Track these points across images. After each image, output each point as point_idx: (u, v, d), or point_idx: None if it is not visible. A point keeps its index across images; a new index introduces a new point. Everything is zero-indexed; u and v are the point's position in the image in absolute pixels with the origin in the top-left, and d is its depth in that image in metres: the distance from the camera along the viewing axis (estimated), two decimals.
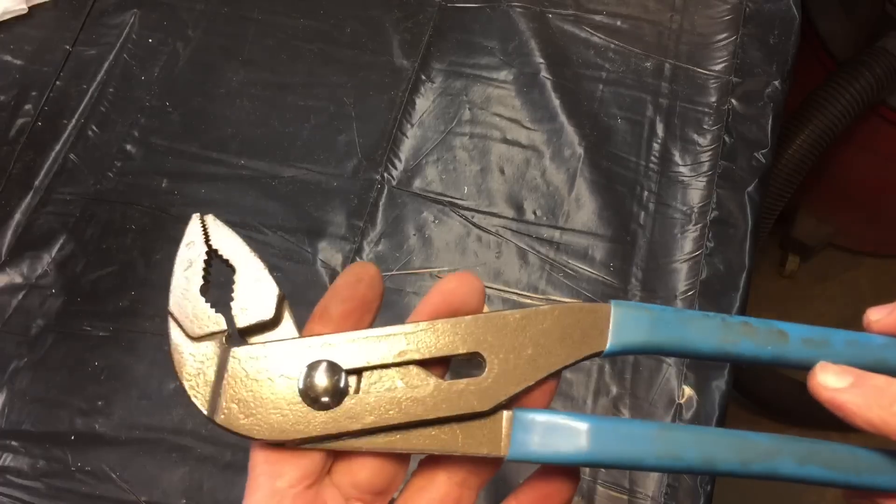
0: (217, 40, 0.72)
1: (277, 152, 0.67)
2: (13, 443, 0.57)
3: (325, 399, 0.28)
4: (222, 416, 0.28)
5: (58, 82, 0.69)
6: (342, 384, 0.28)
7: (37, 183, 0.66)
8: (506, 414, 0.28)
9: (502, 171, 0.66)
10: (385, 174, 0.66)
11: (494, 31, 0.71)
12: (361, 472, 0.30)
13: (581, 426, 0.28)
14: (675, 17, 0.72)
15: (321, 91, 0.69)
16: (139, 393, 0.58)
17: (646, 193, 0.65)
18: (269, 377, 0.28)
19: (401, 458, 0.30)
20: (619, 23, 0.72)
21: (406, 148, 0.67)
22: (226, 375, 0.28)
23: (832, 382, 0.30)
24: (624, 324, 0.29)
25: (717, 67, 0.70)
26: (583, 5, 0.72)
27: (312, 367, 0.28)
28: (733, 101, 0.68)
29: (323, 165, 0.66)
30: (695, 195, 0.65)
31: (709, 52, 0.70)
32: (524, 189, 0.65)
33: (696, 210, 0.64)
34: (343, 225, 0.64)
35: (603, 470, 0.55)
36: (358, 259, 0.63)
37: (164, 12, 0.73)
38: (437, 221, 0.64)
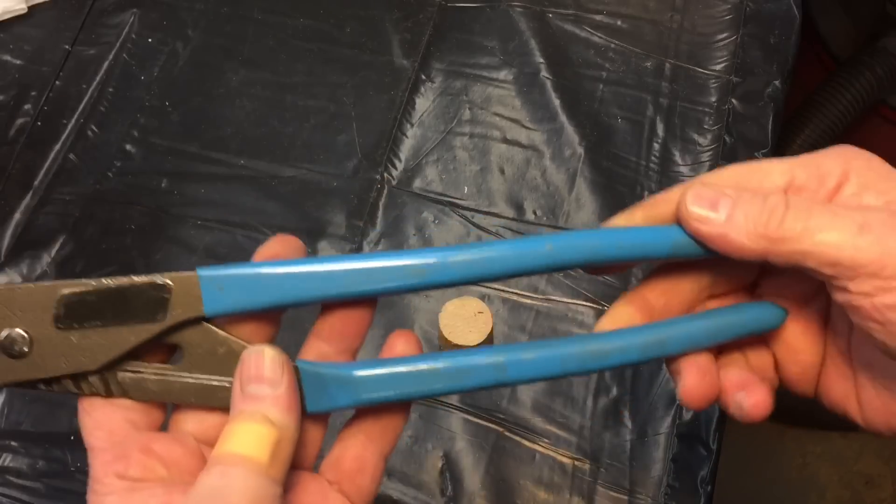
0: (217, 40, 0.72)
1: (277, 152, 0.67)
2: (13, 443, 0.57)
3: (16, 348, 0.28)
4: None
5: (57, 82, 0.69)
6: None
7: (36, 183, 0.66)
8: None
9: (502, 171, 0.66)
10: (385, 174, 0.66)
11: (494, 30, 0.71)
12: (188, 423, 0.31)
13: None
14: (676, 17, 0.72)
15: (321, 91, 0.69)
16: None
17: (646, 193, 0.65)
18: None
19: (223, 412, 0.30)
20: (619, 22, 0.72)
21: (406, 148, 0.67)
22: None
23: (705, 212, 0.30)
24: (218, 288, 0.29)
25: (718, 67, 0.70)
26: (583, 5, 0.72)
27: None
28: (734, 100, 0.68)
29: (323, 165, 0.66)
30: None
31: (709, 51, 0.70)
32: (524, 189, 0.65)
33: None
34: (343, 225, 0.64)
35: (603, 469, 0.55)
36: None
37: (164, 12, 0.73)
38: (437, 221, 0.64)
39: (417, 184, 0.65)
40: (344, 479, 0.32)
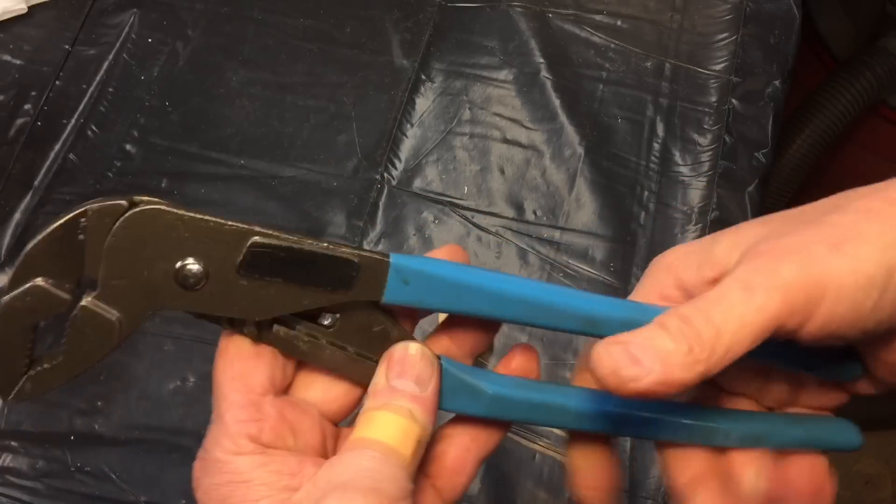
0: (217, 40, 0.72)
1: (277, 152, 0.67)
2: (13, 443, 0.57)
3: (190, 281, 0.28)
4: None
5: (57, 82, 0.69)
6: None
7: (36, 183, 0.66)
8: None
9: (502, 171, 0.66)
10: (385, 174, 0.66)
11: (494, 30, 0.71)
12: (311, 390, 0.31)
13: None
14: (676, 17, 0.72)
15: (321, 91, 0.69)
16: (139, 393, 0.58)
17: (646, 193, 0.65)
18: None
19: (351, 386, 0.31)
20: (619, 22, 0.72)
21: (406, 148, 0.67)
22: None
23: (636, 372, 0.27)
24: (402, 281, 0.29)
25: (718, 67, 0.70)
26: (583, 5, 0.72)
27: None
28: (734, 100, 0.68)
29: (323, 165, 0.66)
30: (695, 195, 0.65)
31: (709, 51, 0.70)
32: (524, 189, 0.65)
33: (696, 210, 0.64)
34: (343, 225, 0.64)
35: None
36: None
37: (164, 12, 0.73)
38: (437, 221, 0.64)
39: (417, 184, 0.65)
40: (441, 476, 0.32)
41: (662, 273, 0.32)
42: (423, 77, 0.69)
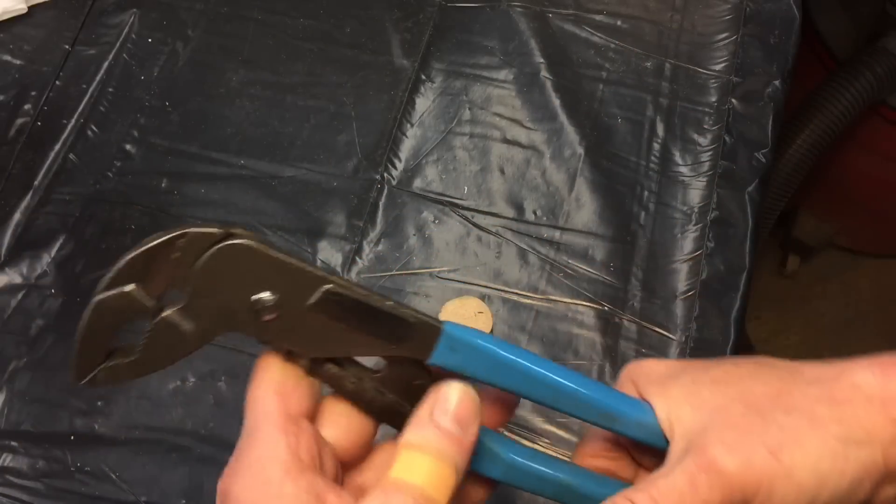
0: (217, 40, 0.72)
1: (277, 152, 0.67)
2: (13, 443, 0.57)
3: (262, 313, 0.30)
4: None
5: (57, 82, 0.69)
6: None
7: (36, 183, 0.66)
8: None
9: (502, 171, 0.66)
10: (385, 174, 0.66)
11: (494, 30, 0.71)
12: (330, 428, 0.31)
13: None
14: (676, 17, 0.72)
15: (321, 91, 0.69)
16: (139, 393, 0.58)
17: (646, 193, 0.65)
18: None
19: (367, 423, 0.32)
20: (619, 22, 0.72)
21: (406, 148, 0.67)
22: None
23: None
24: (450, 348, 0.31)
25: (718, 67, 0.70)
26: (583, 5, 0.72)
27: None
28: (733, 100, 0.68)
29: (323, 165, 0.66)
30: (695, 195, 0.65)
31: (709, 51, 0.70)
32: (524, 189, 0.65)
33: (696, 210, 0.64)
34: (343, 225, 0.64)
35: None
36: (357, 259, 0.63)
37: (164, 12, 0.73)
38: (437, 221, 0.64)
39: (417, 184, 0.65)
40: None
41: (629, 385, 0.35)
42: (423, 77, 0.69)
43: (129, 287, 0.29)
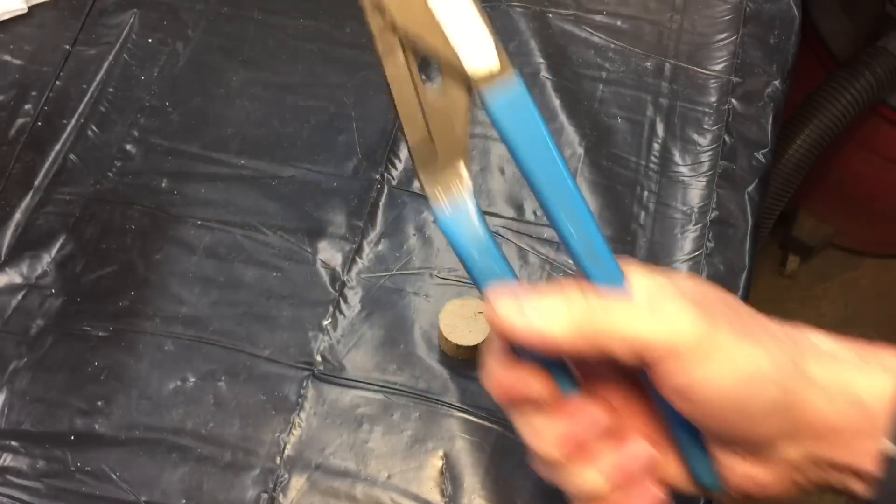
0: (217, 40, 0.72)
1: (277, 152, 0.67)
2: (13, 443, 0.57)
3: None
4: None
5: (58, 82, 0.69)
6: None
7: (36, 183, 0.66)
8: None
9: (502, 171, 0.66)
10: (385, 174, 0.66)
11: (494, 30, 0.71)
12: None
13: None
14: (676, 17, 0.72)
15: (321, 91, 0.69)
16: (139, 393, 0.58)
17: (646, 193, 0.65)
18: None
19: None
20: (619, 23, 0.72)
21: (406, 148, 0.67)
22: None
23: (517, 320, 0.33)
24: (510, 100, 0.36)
25: (718, 67, 0.70)
26: (583, 5, 0.72)
27: None
28: (733, 100, 0.68)
29: (323, 165, 0.66)
30: (695, 195, 0.65)
31: (709, 52, 0.70)
32: (524, 189, 0.65)
33: (696, 210, 0.64)
34: (343, 225, 0.64)
35: None
36: (357, 259, 0.63)
37: (164, 12, 0.73)
38: (437, 221, 0.64)
39: (417, 184, 0.65)
40: None
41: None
42: (424, 77, 0.69)
43: None
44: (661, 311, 0.32)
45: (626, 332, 0.32)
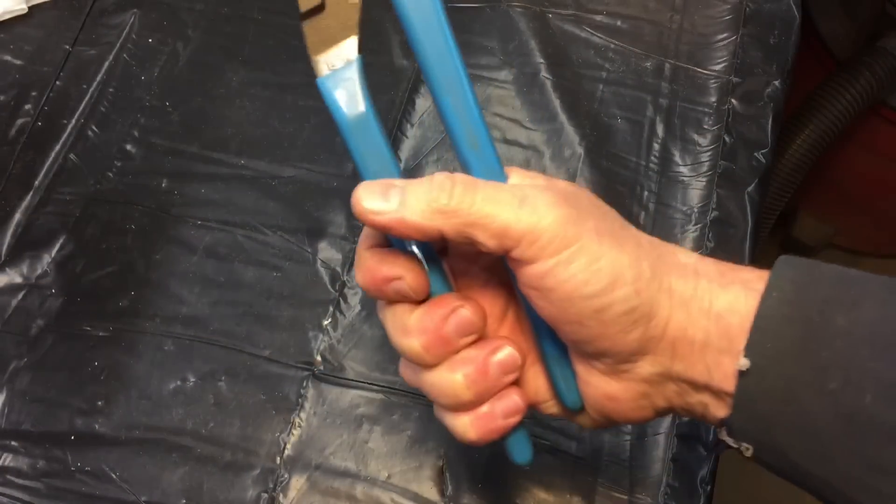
0: (217, 40, 0.72)
1: (277, 152, 0.67)
2: (13, 443, 0.57)
3: None
4: None
5: (58, 82, 0.69)
6: None
7: (36, 183, 0.66)
8: None
9: None
10: None
11: (494, 31, 0.71)
12: None
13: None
14: (675, 17, 0.72)
15: None
16: (139, 393, 0.58)
17: (646, 193, 0.65)
18: None
19: None
20: (619, 23, 0.72)
21: (406, 148, 0.67)
22: None
23: (378, 204, 0.32)
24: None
25: (718, 67, 0.70)
26: (583, 5, 0.72)
27: None
28: (733, 101, 0.68)
29: (323, 165, 0.66)
30: (695, 195, 0.65)
31: (709, 52, 0.70)
32: None
33: (696, 210, 0.64)
34: (343, 225, 0.64)
35: (603, 469, 0.55)
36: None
37: (164, 12, 0.73)
38: None
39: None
40: None
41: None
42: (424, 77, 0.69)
43: None
44: (527, 200, 0.31)
45: (487, 213, 0.31)
